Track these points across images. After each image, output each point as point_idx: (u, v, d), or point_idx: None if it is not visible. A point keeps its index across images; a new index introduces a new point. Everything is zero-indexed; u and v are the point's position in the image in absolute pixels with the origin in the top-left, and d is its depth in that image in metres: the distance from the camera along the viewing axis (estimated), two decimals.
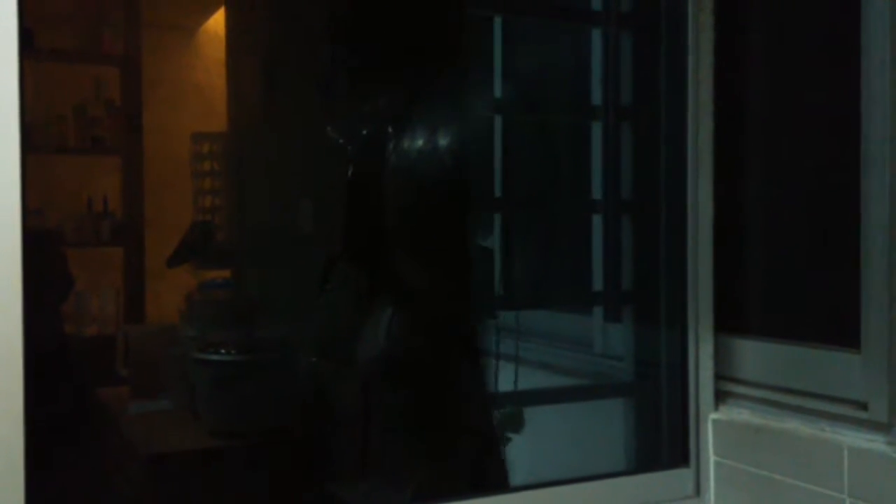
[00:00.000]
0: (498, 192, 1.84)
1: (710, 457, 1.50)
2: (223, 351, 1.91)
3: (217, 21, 2.15)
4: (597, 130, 1.79)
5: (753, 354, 1.47)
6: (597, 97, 1.78)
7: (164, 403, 2.00)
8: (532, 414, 1.70)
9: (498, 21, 1.82)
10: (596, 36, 1.79)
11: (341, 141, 1.77)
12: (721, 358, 1.52)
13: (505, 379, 1.71)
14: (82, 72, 2.26)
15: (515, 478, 1.68)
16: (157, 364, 2.00)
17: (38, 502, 1.02)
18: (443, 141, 1.67)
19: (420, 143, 1.68)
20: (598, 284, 1.80)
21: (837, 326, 1.33)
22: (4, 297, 0.96)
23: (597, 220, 1.80)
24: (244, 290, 2.07)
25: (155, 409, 1.99)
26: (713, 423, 1.50)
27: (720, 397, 1.52)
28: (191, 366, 1.92)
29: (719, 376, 1.52)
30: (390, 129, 1.70)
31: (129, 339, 2.03)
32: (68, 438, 1.70)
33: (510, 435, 1.64)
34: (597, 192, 1.80)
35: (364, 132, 1.75)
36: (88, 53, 2.23)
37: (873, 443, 1.25)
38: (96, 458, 1.84)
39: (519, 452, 1.66)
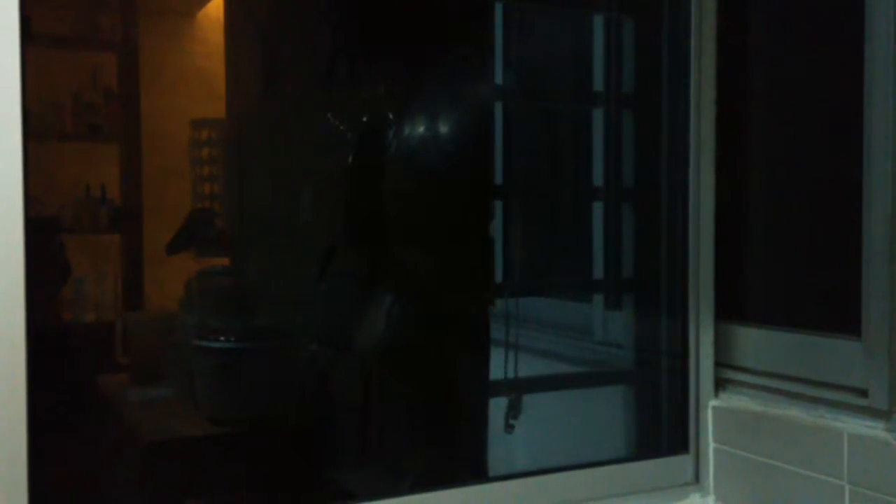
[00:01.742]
0: (499, 180, 1.83)
1: (710, 443, 1.51)
2: (223, 338, 1.91)
3: (216, 5, 2.13)
4: (598, 117, 1.79)
5: (754, 342, 1.48)
6: (598, 84, 1.78)
7: (164, 391, 2.00)
8: (532, 401, 1.70)
9: (499, 6, 1.81)
10: (597, 21, 1.78)
11: (342, 127, 1.76)
12: (721, 345, 1.52)
13: (505, 367, 1.71)
14: (79, 58, 2.24)
15: (517, 465, 1.68)
16: (156, 351, 2.00)
17: (41, 489, 1.02)
18: (444, 128, 1.66)
19: (421, 129, 1.67)
20: (598, 272, 1.80)
21: (838, 314, 1.34)
22: (7, 284, 0.96)
23: (598, 208, 1.80)
24: (244, 278, 2.06)
25: (154, 397, 1.99)
26: (713, 410, 1.51)
27: (720, 384, 1.53)
28: (190, 353, 1.92)
29: (719, 363, 1.52)
30: (391, 116, 1.69)
31: (128, 326, 2.03)
32: (68, 426, 1.70)
33: (512, 422, 1.64)
34: (598, 180, 1.80)
35: (365, 119, 1.74)
36: (85, 40, 2.21)
37: (873, 430, 1.25)
38: (96, 446, 1.84)
39: (520, 439, 1.67)
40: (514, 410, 1.66)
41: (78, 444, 1.67)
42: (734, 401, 1.50)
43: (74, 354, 1.90)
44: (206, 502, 1.83)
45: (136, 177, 2.23)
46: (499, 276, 1.80)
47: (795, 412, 1.38)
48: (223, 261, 2.12)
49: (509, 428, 1.64)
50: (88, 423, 1.79)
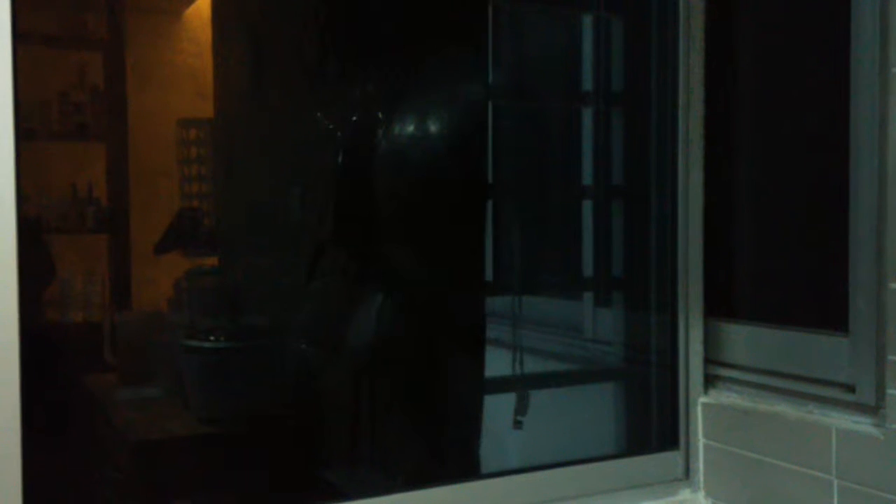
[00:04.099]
0: (489, 178, 1.84)
1: (700, 439, 1.52)
2: (212, 338, 1.90)
3: (204, 4, 2.12)
4: (587, 117, 1.80)
5: (742, 338, 1.49)
6: (587, 83, 1.79)
7: (153, 391, 1.99)
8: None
9: (489, 6, 1.81)
10: (587, 21, 1.79)
11: (331, 127, 1.76)
12: (710, 342, 1.53)
13: (495, 364, 1.72)
14: (65, 57, 2.23)
15: (508, 462, 1.69)
16: (145, 351, 1.99)
17: (34, 487, 1.02)
18: (433, 127, 1.67)
19: (411, 129, 1.67)
20: (588, 270, 1.81)
21: (825, 310, 1.35)
22: (0, 285, 0.96)
23: (587, 206, 1.81)
24: (233, 277, 2.06)
25: (144, 396, 1.98)
26: (703, 406, 1.52)
27: (709, 381, 1.54)
28: (180, 353, 1.91)
29: (709, 360, 1.54)
30: (380, 115, 1.69)
31: (117, 326, 2.02)
32: (57, 426, 1.69)
33: (520, 418, 1.65)
34: (587, 178, 1.81)
35: (354, 118, 1.74)
36: (72, 38, 2.20)
37: (860, 425, 1.27)
38: (85, 446, 1.83)
39: (511, 437, 1.67)
40: (521, 406, 1.66)
41: (66, 444, 1.66)
42: (723, 397, 1.51)
43: (63, 355, 1.89)
44: (196, 502, 1.82)
45: (124, 176, 2.22)
46: (489, 275, 1.81)
47: (784, 408, 1.39)
48: (212, 260, 2.11)
49: (518, 424, 1.64)
50: (77, 423, 1.78)
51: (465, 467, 1.69)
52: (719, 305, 1.53)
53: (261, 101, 2.00)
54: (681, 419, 1.52)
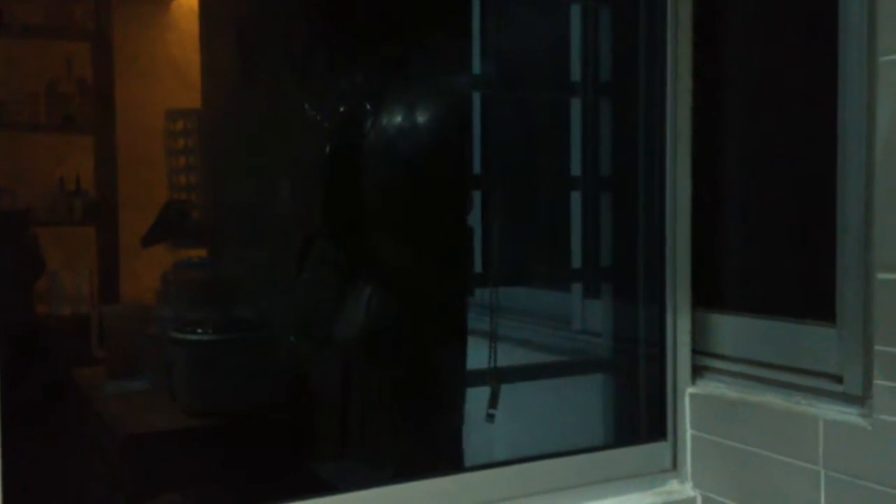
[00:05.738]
0: (477, 169, 1.83)
1: (688, 430, 1.52)
2: (200, 330, 1.90)
3: None
4: (576, 107, 1.79)
5: (730, 329, 1.49)
6: (576, 73, 1.78)
7: (141, 384, 1.99)
8: (511, 390, 1.70)
9: None
10: (575, 11, 1.78)
11: (319, 118, 1.75)
12: (698, 333, 1.53)
13: (484, 356, 1.71)
14: (53, 48, 2.22)
15: (496, 453, 1.69)
16: (133, 344, 1.98)
17: (15, 482, 1.01)
18: (421, 118, 1.66)
19: (398, 119, 1.66)
20: (577, 261, 1.81)
21: (813, 301, 1.35)
22: None
23: (576, 197, 1.80)
24: (221, 269, 2.05)
25: (131, 390, 1.97)
26: (690, 397, 1.52)
27: (697, 372, 1.54)
28: (167, 346, 1.91)
29: (696, 351, 1.53)
30: (368, 106, 1.69)
31: (105, 319, 2.01)
32: (43, 420, 1.68)
33: (492, 412, 1.65)
34: (576, 169, 1.80)
35: (342, 109, 1.73)
36: (59, 29, 2.19)
37: (847, 415, 1.27)
38: (72, 439, 1.83)
39: (499, 428, 1.67)
40: (493, 400, 1.66)
41: (53, 437, 1.66)
42: (711, 388, 1.51)
43: (49, 348, 1.88)
44: (183, 495, 1.82)
45: (111, 168, 2.21)
46: (478, 266, 1.80)
47: (771, 398, 1.39)
48: (200, 252, 2.10)
49: (489, 417, 1.65)
50: (64, 416, 1.77)
51: (453, 459, 1.69)
52: (707, 296, 1.52)
53: (248, 91, 1.99)
54: (668, 410, 1.52)
